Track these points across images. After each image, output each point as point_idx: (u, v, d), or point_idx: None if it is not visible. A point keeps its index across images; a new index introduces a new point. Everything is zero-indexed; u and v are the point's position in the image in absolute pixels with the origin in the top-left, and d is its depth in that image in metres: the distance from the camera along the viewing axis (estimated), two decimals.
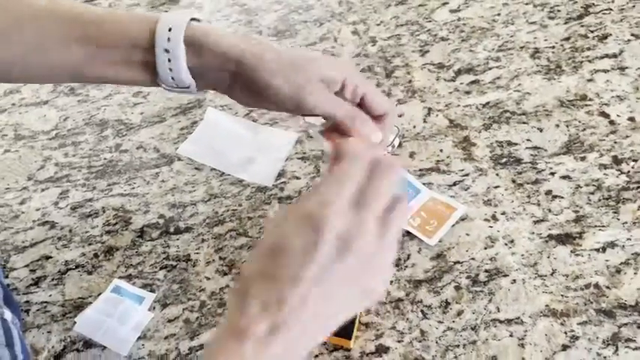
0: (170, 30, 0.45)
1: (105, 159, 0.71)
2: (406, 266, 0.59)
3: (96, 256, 0.62)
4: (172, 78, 0.47)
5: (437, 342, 0.54)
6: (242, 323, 0.34)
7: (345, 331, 0.54)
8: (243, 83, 0.47)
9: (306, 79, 0.46)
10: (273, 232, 0.37)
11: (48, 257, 0.62)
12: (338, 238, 0.35)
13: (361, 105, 0.50)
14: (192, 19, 0.47)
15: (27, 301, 0.59)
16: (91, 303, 0.58)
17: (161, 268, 0.61)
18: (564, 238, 0.60)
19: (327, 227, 0.34)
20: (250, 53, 0.46)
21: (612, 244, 0.59)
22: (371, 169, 0.38)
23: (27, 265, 0.62)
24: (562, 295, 0.56)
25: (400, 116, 0.72)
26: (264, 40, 0.48)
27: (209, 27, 0.47)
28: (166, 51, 0.45)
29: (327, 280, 0.35)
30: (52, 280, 0.61)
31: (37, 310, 0.58)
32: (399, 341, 0.54)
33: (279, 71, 0.46)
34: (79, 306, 0.59)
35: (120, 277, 0.60)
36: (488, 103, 0.73)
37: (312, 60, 0.47)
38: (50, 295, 0.59)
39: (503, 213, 0.62)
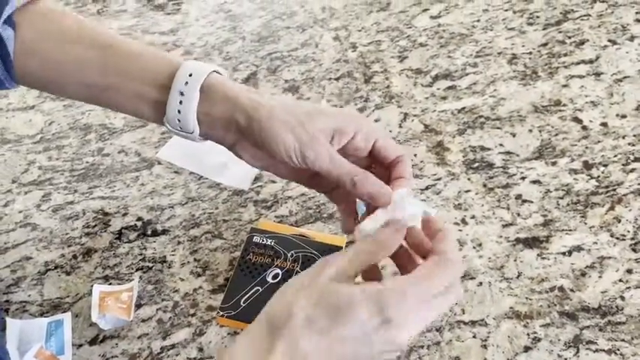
0: (190, 75, 0.46)
1: (87, 162, 0.72)
2: None
3: (75, 257, 0.64)
4: (179, 120, 0.47)
5: None
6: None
7: None
8: (249, 136, 0.47)
9: (311, 134, 0.45)
10: (341, 295, 0.39)
11: (29, 258, 0.64)
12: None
13: (373, 152, 0.48)
14: (215, 71, 0.48)
15: (7, 301, 0.61)
16: (68, 303, 0.60)
17: (137, 270, 0.62)
18: (532, 242, 0.61)
19: (395, 324, 0.38)
20: (260, 105, 0.45)
21: (578, 248, 0.60)
22: (435, 260, 0.41)
23: (8, 266, 0.64)
24: (526, 298, 0.57)
25: (415, 156, 0.70)
26: (278, 96, 0.48)
27: (227, 80, 0.48)
28: (181, 93, 0.46)
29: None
30: (32, 280, 0.62)
31: (16, 309, 0.60)
32: None
33: (287, 124, 0.45)
34: (56, 305, 0.60)
35: (97, 279, 0.62)
36: (463, 108, 0.74)
37: (320, 113, 0.46)
38: (29, 295, 0.61)
39: (473, 217, 0.64)
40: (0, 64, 0.49)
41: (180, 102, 0.46)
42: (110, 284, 0.61)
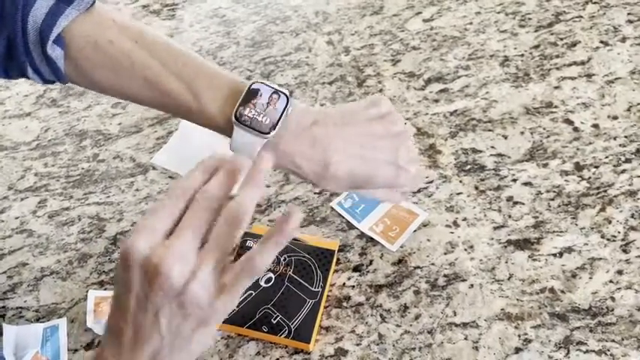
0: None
1: (82, 168, 0.73)
2: (368, 271, 0.61)
3: (70, 263, 0.64)
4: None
5: (394, 345, 0.56)
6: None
7: (305, 334, 0.56)
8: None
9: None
10: None
11: (25, 264, 0.65)
12: (142, 263, 0.34)
13: None
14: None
15: (3, 307, 0.62)
16: (64, 309, 0.61)
17: None
18: (523, 244, 0.62)
19: (132, 255, 0.34)
20: (324, 180, 0.51)
21: (569, 249, 0.61)
22: (196, 198, 0.37)
23: (4, 272, 0.64)
24: (517, 300, 0.58)
25: None
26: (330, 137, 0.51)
27: (281, 146, 0.49)
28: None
29: (149, 307, 0.35)
30: (28, 286, 0.63)
31: (12, 315, 0.61)
32: (357, 344, 0.56)
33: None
34: (52, 311, 0.61)
35: (92, 284, 0.62)
36: (455, 111, 0.74)
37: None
38: (25, 301, 0.62)
39: (465, 219, 0.64)
40: (55, 76, 0.52)
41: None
42: (105, 289, 0.62)
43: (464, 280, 0.59)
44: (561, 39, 0.82)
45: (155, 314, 0.35)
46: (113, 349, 0.37)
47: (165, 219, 0.36)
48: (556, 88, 0.76)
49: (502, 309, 0.57)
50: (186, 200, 0.36)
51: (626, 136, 0.70)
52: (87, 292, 0.61)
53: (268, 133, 0.48)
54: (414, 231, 0.63)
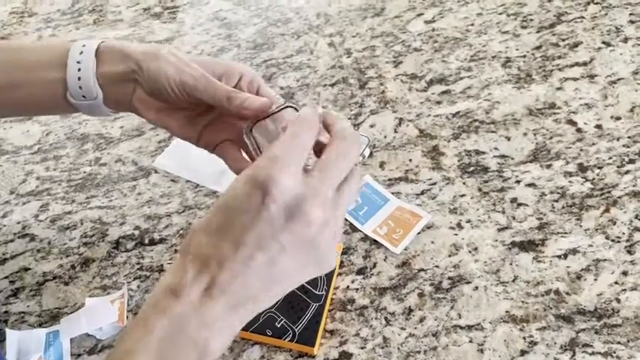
0: (84, 46, 0.51)
1: (84, 172, 0.73)
2: (372, 274, 0.61)
3: (73, 267, 0.64)
4: (80, 87, 0.51)
5: (399, 348, 0.55)
6: (178, 282, 0.34)
7: (309, 338, 0.55)
8: (142, 81, 0.50)
9: (191, 67, 0.49)
10: (227, 190, 0.36)
11: (27, 269, 0.64)
12: (287, 203, 0.33)
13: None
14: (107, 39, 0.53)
15: (6, 312, 0.61)
16: (67, 313, 0.60)
17: (135, 279, 0.62)
18: (527, 245, 0.61)
19: (276, 191, 0.33)
20: (151, 50, 0.50)
21: (574, 251, 0.60)
22: (334, 138, 0.37)
23: (7, 277, 0.64)
24: (522, 302, 0.57)
25: (410, 161, 0.73)
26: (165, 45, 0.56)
27: (122, 41, 0.53)
28: (78, 62, 0.50)
29: (272, 246, 0.34)
30: (31, 291, 0.63)
31: (15, 320, 0.61)
32: (362, 348, 0.56)
33: (172, 63, 0.49)
34: (55, 316, 0.60)
35: (95, 288, 0.62)
36: (458, 112, 0.74)
37: (206, 59, 0.51)
38: (28, 306, 0.61)
39: (469, 221, 0.64)
40: None
41: (79, 69, 0.50)
42: (108, 294, 0.62)
43: (468, 283, 0.59)
44: (563, 40, 0.81)
45: (279, 251, 0.34)
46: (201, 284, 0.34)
47: (304, 155, 0.35)
48: (558, 89, 0.75)
49: (507, 311, 0.57)
50: (316, 134, 0.37)
51: (629, 137, 0.69)
52: (90, 296, 0.61)
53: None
54: (418, 233, 0.63)
